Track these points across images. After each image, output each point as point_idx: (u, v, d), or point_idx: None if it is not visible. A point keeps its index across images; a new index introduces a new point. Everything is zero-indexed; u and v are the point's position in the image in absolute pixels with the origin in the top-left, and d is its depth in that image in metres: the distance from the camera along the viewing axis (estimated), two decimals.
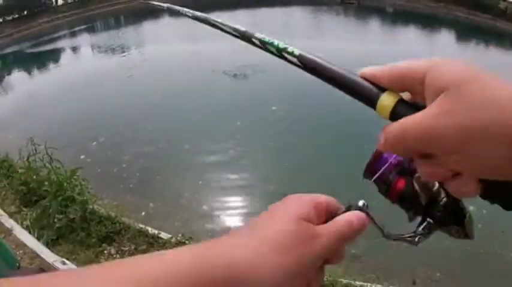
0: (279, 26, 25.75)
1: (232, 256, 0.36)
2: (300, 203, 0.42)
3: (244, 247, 0.38)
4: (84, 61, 19.98)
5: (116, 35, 24.48)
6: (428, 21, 31.52)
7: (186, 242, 4.30)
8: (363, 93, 0.40)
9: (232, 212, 6.33)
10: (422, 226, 0.47)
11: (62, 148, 7.53)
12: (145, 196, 6.38)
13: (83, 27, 27.68)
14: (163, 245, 4.35)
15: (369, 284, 4.32)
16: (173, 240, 4.38)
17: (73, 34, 25.11)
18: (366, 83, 0.39)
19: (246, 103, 10.93)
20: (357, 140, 8.36)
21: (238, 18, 32.05)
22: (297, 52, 0.46)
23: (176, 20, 31.42)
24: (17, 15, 31.96)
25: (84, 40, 24.16)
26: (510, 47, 28.91)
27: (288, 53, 0.47)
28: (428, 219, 0.46)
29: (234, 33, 0.60)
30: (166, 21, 31.49)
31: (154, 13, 32.19)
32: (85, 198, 4.69)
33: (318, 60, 0.44)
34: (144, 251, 4.11)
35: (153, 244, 4.38)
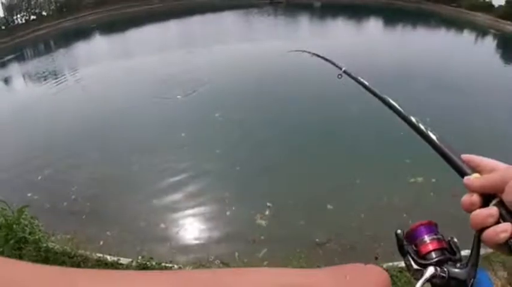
0: (212, 33, 25.94)
1: None
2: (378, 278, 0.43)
3: None
4: (16, 92, 18.84)
5: (47, 60, 23.32)
6: (355, 11, 33.18)
7: (148, 263, 4.41)
8: (458, 167, 0.65)
9: (188, 226, 6.46)
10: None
11: (4, 187, 7.31)
12: (101, 224, 6.31)
13: (11, 56, 26.06)
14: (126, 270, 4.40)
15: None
16: (134, 264, 4.46)
17: (2, 65, 23.55)
18: (462, 163, 0.65)
19: (189, 114, 11.05)
20: (295, 137, 8.93)
21: (171, 28, 31.81)
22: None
23: (108, 39, 30.67)
24: None
25: (15, 70, 22.75)
26: (436, 25, 31.35)
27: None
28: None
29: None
30: (97, 40, 30.63)
31: (84, 33, 31.17)
32: (37, 237, 4.60)
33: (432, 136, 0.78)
34: None
35: None
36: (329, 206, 6.69)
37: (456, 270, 0.59)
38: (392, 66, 15.51)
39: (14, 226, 4.62)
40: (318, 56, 2.85)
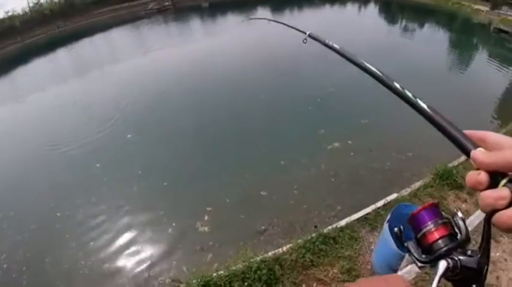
0: (103, 53, 24.87)
1: None
2: None
3: None
4: None
5: None
6: (242, 5, 33.97)
7: None
8: (462, 145, 0.57)
9: (134, 257, 6.25)
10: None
11: None
12: (43, 285, 5.87)
13: None
14: None
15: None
16: None
17: None
18: (466, 139, 0.57)
19: (100, 142, 10.59)
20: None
21: (59, 56, 29.79)
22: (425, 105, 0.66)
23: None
24: None
25: None
26: (320, 3, 33.43)
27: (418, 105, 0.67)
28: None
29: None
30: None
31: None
32: None
33: (429, 111, 0.65)
34: None
35: None
36: (262, 193, 6.96)
37: (468, 258, 0.55)
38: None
39: None
40: (279, 22, 2.82)
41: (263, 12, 32.46)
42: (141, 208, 7.38)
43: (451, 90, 11.50)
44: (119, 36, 31.58)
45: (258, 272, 4.17)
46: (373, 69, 0.88)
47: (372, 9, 31.22)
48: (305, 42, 1.74)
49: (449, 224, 0.60)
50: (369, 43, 16.71)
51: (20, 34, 40.80)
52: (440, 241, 0.58)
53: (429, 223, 0.60)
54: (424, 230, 0.60)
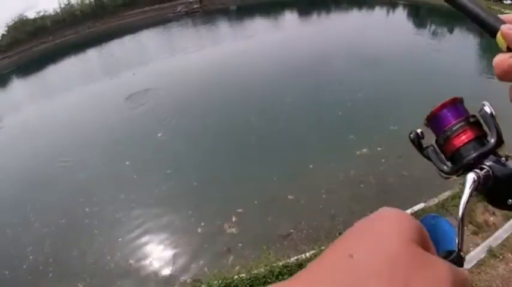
0: (133, 54, 25.44)
1: None
2: (410, 224, 0.33)
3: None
4: None
5: None
6: (270, 8, 34.03)
7: None
8: (488, 23, 0.45)
9: (159, 255, 6.33)
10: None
11: None
12: (69, 277, 6.01)
13: None
14: None
15: None
16: None
17: None
18: (491, 16, 0.46)
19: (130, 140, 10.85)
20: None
21: (89, 56, 30.66)
22: None
23: (27, 81, 28.84)
24: None
25: None
26: (347, 7, 33.03)
27: None
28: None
29: None
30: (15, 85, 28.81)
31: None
32: None
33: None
34: None
35: None
36: (290, 197, 6.95)
37: (501, 167, 0.45)
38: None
39: None
40: None
41: (290, 16, 32.44)
42: (169, 206, 7.45)
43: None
44: (148, 38, 32.22)
45: (280, 277, 4.18)
46: None
47: (401, 12, 30.58)
48: None
49: (477, 124, 0.48)
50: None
51: (51, 34, 42.20)
52: (468, 146, 0.47)
53: (454, 122, 0.48)
54: (449, 132, 0.48)
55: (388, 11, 31.09)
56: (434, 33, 23.30)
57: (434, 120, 0.51)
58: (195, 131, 10.31)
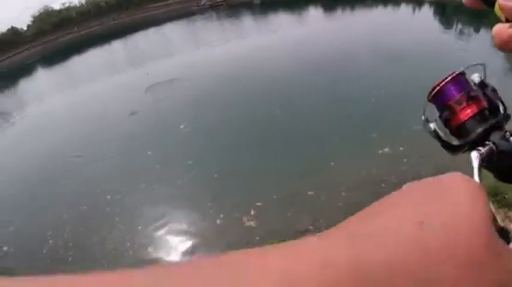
0: (158, 47, 25.65)
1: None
2: (488, 207, 0.28)
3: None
4: None
5: None
6: (294, 3, 33.76)
7: None
8: None
9: (179, 245, 6.39)
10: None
11: None
12: (89, 262, 6.10)
13: None
14: None
15: None
16: None
17: None
18: None
19: (153, 131, 10.94)
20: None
21: (114, 48, 31.17)
22: None
23: (52, 71, 29.59)
24: None
25: None
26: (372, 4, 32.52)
27: None
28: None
29: None
30: (40, 74, 29.52)
31: (24, 70, 29.91)
32: None
33: None
34: None
35: None
36: (310, 192, 6.85)
37: (506, 142, 0.44)
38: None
39: None
40: None
41: (314, 11, 32.06)
42: (190, 197, 7.48)
43: None
44: (172, 31, 32.45)
45: None
46: None
47: (427, 10, 29.83)
48: None
49: (481, 97, 0.47)
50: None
51: (76, 25, 43.08)
52: (473, 119, 0.46)
53: (458, 96, 0.47)
54: (453, 106, 0.47)
55: (413, 9, 30.30)
56: (461, 33, 22.60)
57: (438, 95, 0.50)
58: (217, 124, 10.30)
